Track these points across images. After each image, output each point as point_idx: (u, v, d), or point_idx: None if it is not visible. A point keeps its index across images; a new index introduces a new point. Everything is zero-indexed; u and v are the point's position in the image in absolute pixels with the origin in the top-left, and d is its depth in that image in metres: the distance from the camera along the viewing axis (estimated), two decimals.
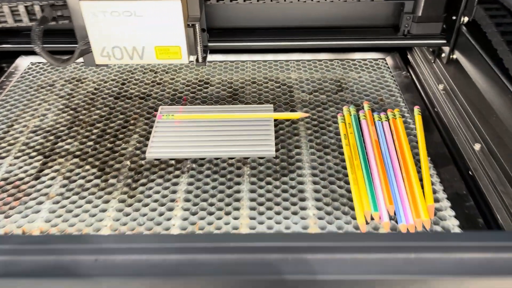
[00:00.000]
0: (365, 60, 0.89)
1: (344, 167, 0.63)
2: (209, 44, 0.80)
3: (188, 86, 0.82)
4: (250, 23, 0.84)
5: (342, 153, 0.66)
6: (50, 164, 0.65)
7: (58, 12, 0.71)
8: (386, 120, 0.70)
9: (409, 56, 0.91)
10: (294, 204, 0.58)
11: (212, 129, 0.70)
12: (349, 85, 0.81)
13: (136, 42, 0.65)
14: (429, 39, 0.81)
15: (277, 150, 0.67)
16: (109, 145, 0.68)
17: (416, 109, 0.73)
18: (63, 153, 0.67)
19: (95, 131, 0.71)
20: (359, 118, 0.71)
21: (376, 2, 0.81)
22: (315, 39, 0.83)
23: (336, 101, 0.77)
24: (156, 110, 0.76)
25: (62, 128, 0.72)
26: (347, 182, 0.61)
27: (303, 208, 0.57)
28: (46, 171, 0.64)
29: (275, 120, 0.72)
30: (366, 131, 0.68)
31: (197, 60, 0.72)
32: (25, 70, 0.87)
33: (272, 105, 0.75)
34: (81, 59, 0.69)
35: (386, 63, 0.88)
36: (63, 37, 0.79)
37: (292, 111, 0.75)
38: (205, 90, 0.81)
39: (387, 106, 0.75)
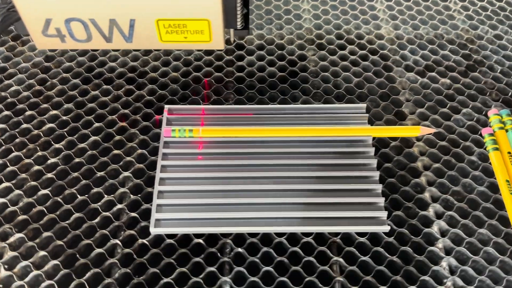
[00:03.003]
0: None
1: None
2: None
3: (208, 54, 0.47)
4: None
5: (505, 219, 0.36)
6: None
7: None
8: None
9: None
10: None
11: (266, 166, 0.38)
12: (486, 55, 0.48)
13: (116, 11, 0.30)
14: None
15: (387, 215, 0.37)
16: (70, 205, 0.37)
17: None
18: None
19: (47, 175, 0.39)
20: None
21: None
22: None
23: (470, 94, 0.44)
24: (158, 112, 0.43)
25: None
26: None
27: None
28: None
29: (373, 139, 0.41)
30: None
31: (234, 28, 0.37)
32: None
33: (364, 104, 0.42)
34: None
35: None
36: None
37: (398, 115, 0.43)
38: (239, 63, 0.47)
39: None
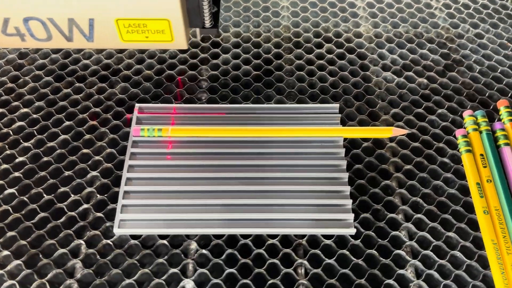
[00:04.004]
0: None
1: (480, 247, 0.34)
2: None
3: (183, 52, 0.47)
4: None
5: (474, 222, 0.36)
6: None
7: None
8: None
9: None
10: None
11: (233, 166, 0.38)
12: (465, 54, 0.47)
13: (74, 10, 0.30)
14: None
15: (355, 217, 0.36)
16: (40, 204, 0.37)
17: None
18: None
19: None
20: (496, 138, 0.40)
21: None
22: None
23: (447, 94, 0.44)
24: (129, 111, 0.42)
25: None
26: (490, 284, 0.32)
27: None
28: None
29: (344, 139, 0.40)
30: None
31: (202, 26, 0.37)
32: None
33: (337, 104, 0.42)
34: None
35: None
36: None
37: (372, 115, 0.42)
38: (214, 61, 0.46)
39: None
